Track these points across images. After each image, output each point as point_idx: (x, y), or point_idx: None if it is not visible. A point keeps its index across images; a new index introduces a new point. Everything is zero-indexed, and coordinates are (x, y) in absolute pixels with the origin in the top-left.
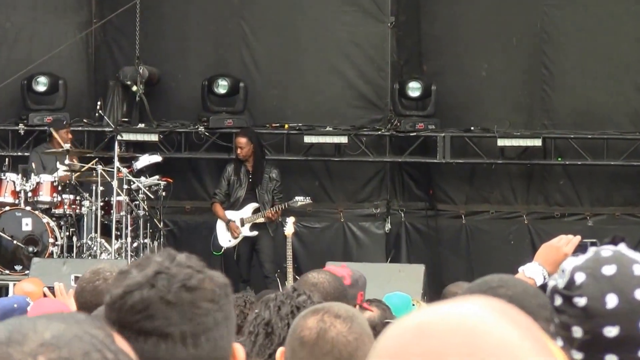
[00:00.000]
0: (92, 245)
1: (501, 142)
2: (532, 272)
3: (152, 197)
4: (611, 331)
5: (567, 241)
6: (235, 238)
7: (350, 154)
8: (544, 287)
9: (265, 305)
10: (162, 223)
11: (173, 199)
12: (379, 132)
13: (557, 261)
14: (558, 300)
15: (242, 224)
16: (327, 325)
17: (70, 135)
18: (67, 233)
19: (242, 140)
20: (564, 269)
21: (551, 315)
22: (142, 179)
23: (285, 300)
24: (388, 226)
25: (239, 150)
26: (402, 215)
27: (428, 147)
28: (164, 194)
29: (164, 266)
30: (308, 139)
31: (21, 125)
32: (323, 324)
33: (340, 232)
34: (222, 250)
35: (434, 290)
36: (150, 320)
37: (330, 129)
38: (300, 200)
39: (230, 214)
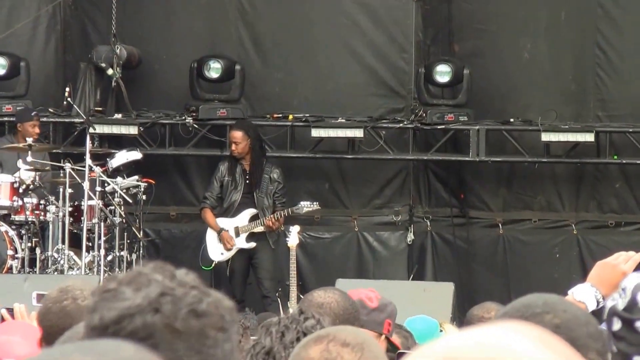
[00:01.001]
0: (59, 259)
1: (546, 137)
2: (583, 295)
3: (131, 201)
4: None
5: (626, 258)
6: (229, 250)
7: (367, 151)
8: (596, 313)
9: (266, 331)
10: (141, 232)
11: (155, 203)
12: (401, 125)
13: (613, 282)
14: (617, 325)
15: (237, 234)
16: (332, 356)
17: (37, 130)
18: (29, 244)
19: (238, 134)
20: (625, 288)
21: (605, 345)
22: (119, 179)
23: (290, 325)
24: (411, 237)
25: (233, 147)
26: (428, 223)
27: (459, 142)
28: (144, 197)
29: (167, 286)
30: (316, 133)
31: None
32: (328, 355)
33: (354, 243)
34: (213, 265)
35: (466, 314)
36: (153, 350)
37: (343, 120)
38: (306, 205)
39: (222, 222)
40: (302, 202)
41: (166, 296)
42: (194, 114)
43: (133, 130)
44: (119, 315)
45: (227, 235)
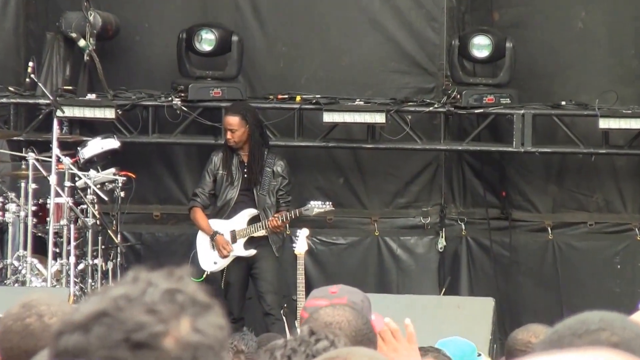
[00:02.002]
0: (20, 267)
1: (604, 124)
2: None
3: (106, 199)
4: None
5: None
6: (224, 258)
7: (390, 139)
8: None
9: (270, 355)
10: (119, 236)
11: (136, 201)
12: (431, 109)
13: None
14: None
15: (234, 239)
16: None
17: None
18: None
19: (234, 120)
20: None
21: None
22: (92, 173)
23: (298, 349)
24: (442, 242)
25: (229, 134)
26: (463, 227)
27: (500, 129)
28: (122, 194)
29: (117, 303)
30: (329, 118)
31: None
32: None
33: (374, 250)
34: (204, 276)
35: (508, 336)
36: None
37: (361, 103)
38: (317, 205)
39: (217, 224)
40: (311, 202)
41: (105, 317)
42: (182, 95)
43: (109, 113)
44: (59, 330)
45: (222, 240)
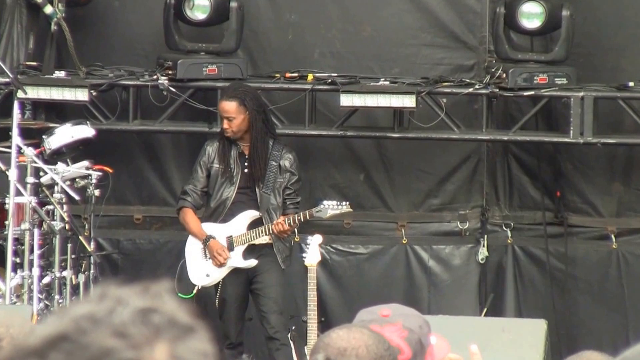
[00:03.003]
0: None
1: None
2: None
3: (78, 198)
4: None
5: None
6: (220, 267)
7: (421, 127)
8: None
9: None
10: (93, 243)
11: (113, 201)
12: (471, 90)
13: None
14: None
15: (231, 247)
16: None
17: None
18: None
19: (231, 105)
20: None
21: None
22: (61, 167)
23: None
24: (484, 252)
25: (225, 123)
26: (509, 233)
27: (555, 116)
28: (97, 193)
29: (80, 325)
30: (347, 101)
31: None
32: None
33: (401, 262)
34: (195, 292)
35: None
36: None
37: (387, 83)
38: (331, 206)
39: (210, 228)
40: (325, 202)
41: (65, 342)
42: (170, 73)
43: (81, 95)
44: (9, 357)
45: (216, 245)
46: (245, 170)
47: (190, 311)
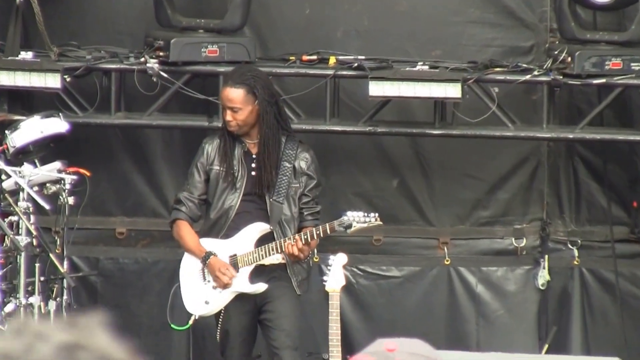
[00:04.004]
0: None
1: None
2: None
3: (48, 207)
4: None
5: None
6: (223, 289)
7: (468, 123)
8: None
9: None
10: (66, 262)
11: (91, 212)
12: (529, 77)
13: None
14: None
15: (236, 267)
16: None
17: None
18: None
19: (237, 93)
20: None
21: None
22: (27, 169)
23: None
24: (544, 276)
25: (229, 114)
26: (575, 253)
27: (630, 109)
28: (71, 201)
29: None
30: (378, 90)
31: None
32: None
33: (443, 286)
34: (192, 322)
35: None
36: None
37: (425, 68)
38: (358, 219)
39: (211, 245)
40: (350, 213)
41: None
42: (161, 54)
43: (53, 81)
44: None
45: (219, 263)
46: (253, 174)
47: (128, 347)
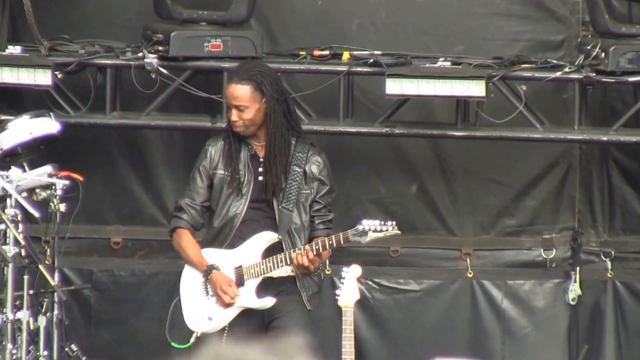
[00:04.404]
0: None
1: None
2: None
3: (38, 215)
4: None
5: None
6: (226, 308)
7: (493, 124)
8: None
9: None
10: (57, 275)
11: (84, 220)
12: (559, 74)
13: None
14: None
15: (241, 280)
16: None
17: None
18: None
19: (243, 91)
20: None
21: None
22: (15, 173)
23: None
24: (575, 290)
25: (234, 114)
26: (609, 265)
27: None
28: (62, 208)
29: None
30: (395, 88)
31: None
32: None
33: (466, 301)
34: (193, 340)
35: None
36: None
37: (447, 64)
38: (373, 227)
39: (214, 256)
40: (365, 221)
41: None
42: (160, 49)
43: (43, 77)
44: None
45: (221, 278)
46: (260, 179)
47: None
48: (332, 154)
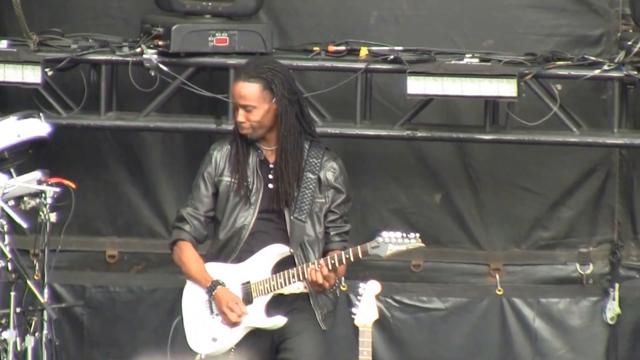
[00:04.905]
0: None
1: None
2: None
3: (26, 225)
4: None
5: None
6: (232, 327)
7: (524, 127)
8: None
9: None
10: (47, 291)
11: (77, 231)
12: (597, 72)
13: None
14: None
15: (249, 297)
16: None
17: None
18: None
19: (252, 89)
20: None
21: None
22: (1, 179)
23: None
24: (614, 309)
25: (242, 114)
26: None
27: None
28: (53, 218)
29: None
30: (418, 87)
31: None
32: None
33: (495, 320)
34: None
35: None
36: None
37: (475, 61)
38: (394, 239)
39: (219, 271)
40: (385, 233)
41: None
42: (160, 44)
43: (32, 74)
44: None
45: (227, 296)
46: (270, 186)
47: None
48: (348, 160)
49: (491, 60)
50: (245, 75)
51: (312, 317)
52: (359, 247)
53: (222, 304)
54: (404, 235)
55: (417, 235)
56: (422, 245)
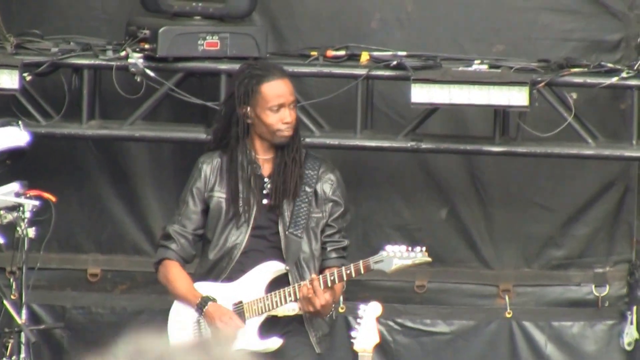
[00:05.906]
0: None
1: None
2: None
3: (2, 241)
4: None
5: None
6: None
7: (536, 138)
8: None
9: None
10: (25, 311)
11: (57, 247)
12: (614, 80)
13: None
14: None
15: (242, 317)
16: None
17: None
18: None
19: (291, 86)
20: None
21: None
22: None
23: None
24: (632, 334)
25: (289, 115)
26: None
27: None
28: (31, 233)
29: None
30: (423, 95)
31: None
32: None
33: (505, 344)
34: None
35: None
36: None
37: (484, 67)
38: (399, 254)
39: (209, 289)
40: (390, 247)
41: None
42: (146, 47)
43: (9, 80)
44: None
45: (219, 311)
46: (265, 202)
47: None
48: (347, 173)
49: (501, 67)
50: (280, 72)
51: (307, 340)
52: (361, 261)
53: (214, 319)
54: (410, 248)
55: (424, 248)
56: (429, 259)
